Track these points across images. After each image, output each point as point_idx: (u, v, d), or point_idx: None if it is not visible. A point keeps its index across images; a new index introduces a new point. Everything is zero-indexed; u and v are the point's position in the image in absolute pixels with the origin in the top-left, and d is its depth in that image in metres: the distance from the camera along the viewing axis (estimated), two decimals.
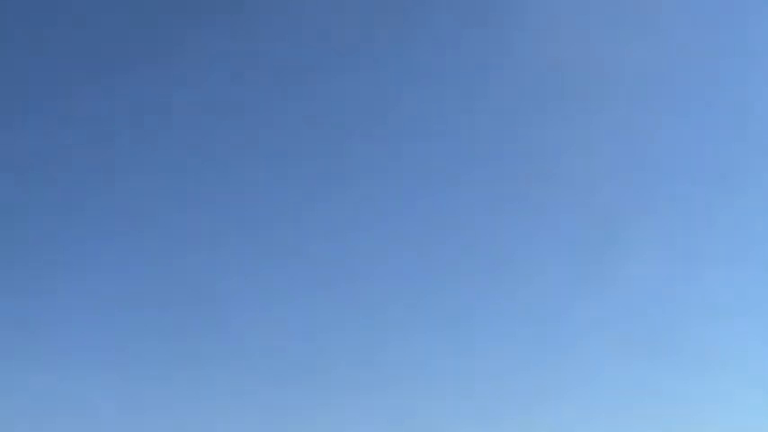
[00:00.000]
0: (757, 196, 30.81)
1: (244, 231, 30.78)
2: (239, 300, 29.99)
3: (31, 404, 27.45)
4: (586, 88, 30.92)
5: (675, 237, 30.65)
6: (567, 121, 31.10)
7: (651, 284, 30.15)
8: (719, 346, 29.24)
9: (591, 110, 31.16)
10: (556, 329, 29.55)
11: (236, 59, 30.97)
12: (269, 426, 27.45)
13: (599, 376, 28.90)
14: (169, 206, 30.92)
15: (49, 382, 27.78)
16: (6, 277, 29.40)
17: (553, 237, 30.77)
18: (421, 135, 31.43)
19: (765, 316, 29.29)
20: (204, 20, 30.64)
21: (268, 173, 31.31)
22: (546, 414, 28.14)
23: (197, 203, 30.95)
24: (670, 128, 31.38)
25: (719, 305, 29.99)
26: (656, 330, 29.49)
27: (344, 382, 28.66)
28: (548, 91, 31.09)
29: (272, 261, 30.77)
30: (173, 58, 30.53)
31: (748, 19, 31.27)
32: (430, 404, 28.07)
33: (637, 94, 31.47)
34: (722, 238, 30.77)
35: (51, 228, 30.30)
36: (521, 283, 30.53)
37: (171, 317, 29.46)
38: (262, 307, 30.01)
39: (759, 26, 31.15)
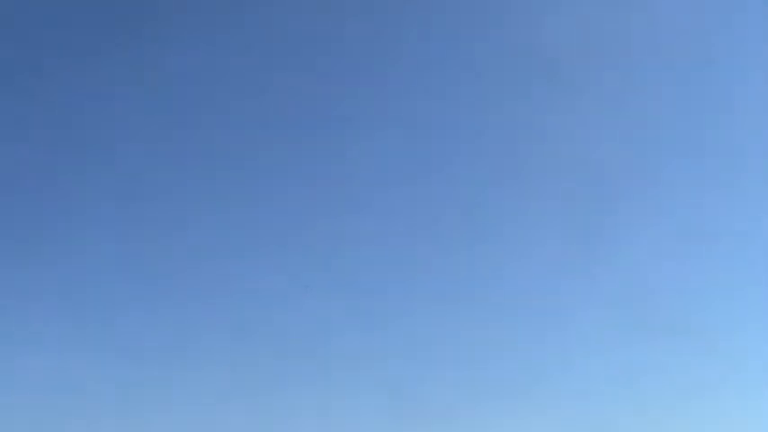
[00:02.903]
0: (759, 173, 30.12)
1: (244, 226, 30.68)
2: (241, 294, 29.93)
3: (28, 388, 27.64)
4: (578, 65, 30.72)
5: (672, 214, 30.03)
6: (562, 96, 30.71)
7: (648, 263, 29.52)
8: (719, 327, 28.51)
9: (585, 86, 30.87)
10: (548, 310, 29.02)
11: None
12: (268, 423, 27.40)
13: (593, 359, 28.25)
14: (165, 198, 31.01)
15: (48, 367, 27.91)
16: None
17: (545, 215, 30.24)
18: (407, 116, 31.19)
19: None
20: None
21: (266, 170, 31.48)
22: (540, 398, 27.65)
23: (192, 197, 31.04)
24: (666, 105, 30.91)
25: (719, 285, 29.27)
26: (654, 311, 28.75)
27: (338, 368, 28.52)
28: (536, 69, 30.79)
29: (271, 256, 30.77)
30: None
31: (746, 2, 30.95)
32: (417, 384, 27.88)
33: (630, 72, 31.10)
34: (722, 215, 30.02)
35: (48, 216, 30.58)
36: (512, 264, 30.06)
37: (170, 310, 29.52)
38: (262, 301, 29.95)
39: (759, 7, 30.78)
